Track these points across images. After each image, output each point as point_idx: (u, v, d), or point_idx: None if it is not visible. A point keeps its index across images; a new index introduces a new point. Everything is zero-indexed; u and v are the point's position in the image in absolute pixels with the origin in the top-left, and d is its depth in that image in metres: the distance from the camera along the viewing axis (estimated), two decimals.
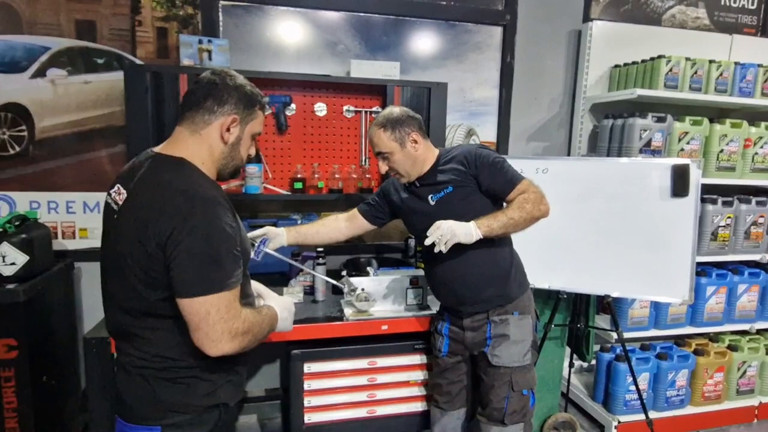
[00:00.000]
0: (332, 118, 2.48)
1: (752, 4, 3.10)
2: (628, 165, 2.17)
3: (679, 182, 1.99)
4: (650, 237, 2.09)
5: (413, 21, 2.66)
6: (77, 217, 2.35)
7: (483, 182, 1.63)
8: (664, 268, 2.07)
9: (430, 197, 1.69)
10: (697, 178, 2.00)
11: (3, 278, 1.90)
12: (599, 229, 2.15)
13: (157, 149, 1.14)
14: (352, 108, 2.48)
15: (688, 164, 2.00)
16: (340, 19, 2.56)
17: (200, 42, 2.18)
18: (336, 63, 2.58)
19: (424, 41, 2.70)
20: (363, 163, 2.52)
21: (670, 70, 2.46)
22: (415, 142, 1.67)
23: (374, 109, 2.50)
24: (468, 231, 1.54)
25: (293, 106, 2.41)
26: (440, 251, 1.52)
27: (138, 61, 2.30)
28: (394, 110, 1.70)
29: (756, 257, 2.71)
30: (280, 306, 1.28)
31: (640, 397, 2.23)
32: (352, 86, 2.44)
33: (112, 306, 1.12)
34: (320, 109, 2.46)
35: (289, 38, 2.53)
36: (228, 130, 1.14)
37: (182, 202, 1.01)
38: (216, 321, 1.00)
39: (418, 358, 2.02)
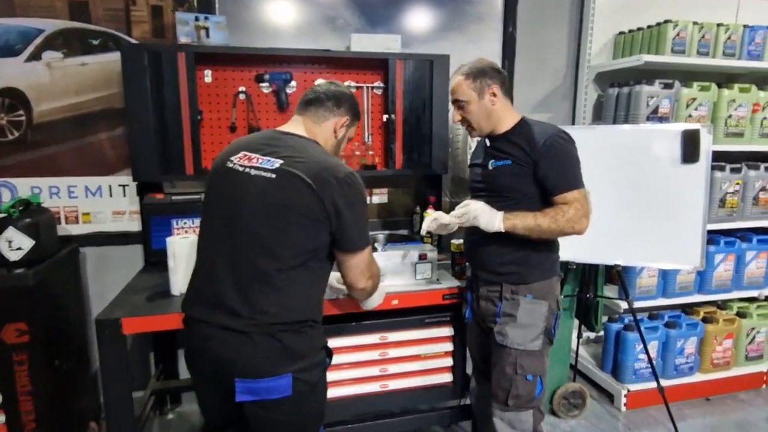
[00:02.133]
0: None
1: None
2: (636, 132, 2.14)
3: (690, 148, 1.97)
4: (660, 204, 2.06)
5: None
6: (79, 201, 2.33)
7: (539, 170, 1.59)
8: (675, 236, 2.06)
9: (491, 161, 1.69)
10: (707, 144, 1.97)
11: (10, 263, 1.90)
12: (608, 198, 2.12)
13: (287, 129, 1.41)
14: (353, 84, 2.44)
15: (698, 129, 1.97)
16: None
17: (197, 19, 2.14)
18: (336, 38, 2.54)
19: (424, 14, 2.64)
20: (366, 139, 2.49)
21: (677, 34, 2.40)
22: (494, 95, 1.66)
23: (376, 84, 2.46)
24: (491, 222, 1.60)
25: (294, 83, 2.36)
26: None
27: (134, 42, 2.26)
28: (481, 60, 1.70)
29: (765, 223, 2.69)
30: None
31: (651, 365, 2.23)
32: (352, 61, 2.39)
33: (239, 261, 1.26)
34: (319, 81, 2.41)
35: (288, 14, 2.48)
36: (340, 128, 1.46)
37: (346, 175, 1.27)
38: (371, 264, 1.41)
39: (428, 332, 2.02)
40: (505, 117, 1.70)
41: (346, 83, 2.43)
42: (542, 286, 1.68)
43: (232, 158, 1.34)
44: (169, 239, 1.86)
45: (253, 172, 1.29)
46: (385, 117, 2.44)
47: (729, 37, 2.48)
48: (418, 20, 2.64)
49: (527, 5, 2.72)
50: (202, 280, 1.35)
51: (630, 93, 2.43)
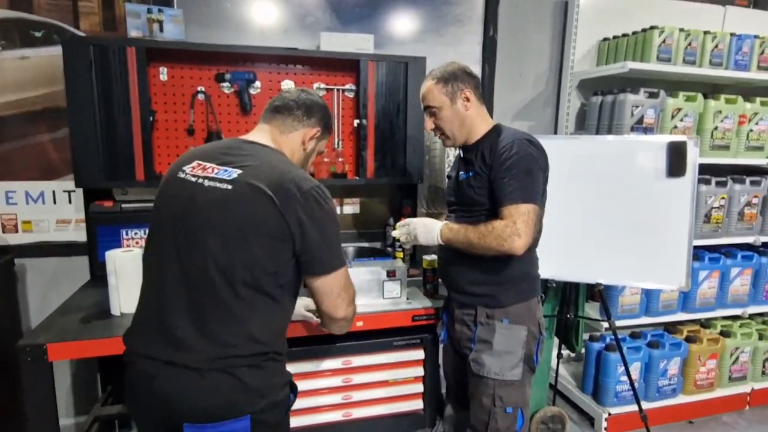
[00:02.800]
0: None
1: None
2: (619, 143, 2.01)
3: (676, 161, 1.85)
4: (643, 220, 1.94)
5: None
6: (19, 208, 2.12)
7: (489, 177, 1.47)
8: (659, 254, 1.94)
9: (460, 173, 1.58)
10: (694, 157, 1.86)
11: None
12: (589, 213, 1.99)
13: (250, 138, 1.27)
14: (323, 85, 2.28)
15: (685, 142, 1.85)
16: None
17: (149, 11, 1.96)
18: (305, 36, 2.38)
19: (400, 14, 2.50)
20: (336, 146, 2.33)
21: (663, 41, 2.30)
22: (467, 100, 1.53)
23: (347, 86, 2.30)
24: (430, 236, 1.54)
25: (258, 83, 2.20)
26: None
27: (80, 34, 2.07)
28: (452, 64, 1.57)
29: (750, 239, 2.60)
30: None
31: (633, 389, 2.11)
32: (322, 61, 2.23)
33: (192, 285, 1.11)
34: (288, 87, 2.25)
35: (252, 9, 2.31)
36: (309, 140, 1.33)
37: (312, 188, 1.14)
38: (347, 287, 1.24)
39: (397, 356, 1.87)
40: (478, 123, 1.57)
41: (315, 85, 2.27)
42: (520, 308, 1.54)
43: (184, 167, 1.21)
44: (108, 254, 1.68)
45: (206, 182, 1.15)
46: (356, 122, 2.28)
47: (716, 46, 2.38)
48: (394, 20, 2.50)
49: (509, 8, 2.60)
50: (148, 306, 1.19)
51: (614, 102, 2.32)
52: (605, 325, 2.41)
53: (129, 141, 1.97)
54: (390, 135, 2.29)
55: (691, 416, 2.60)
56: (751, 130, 2.48)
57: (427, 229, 1.56)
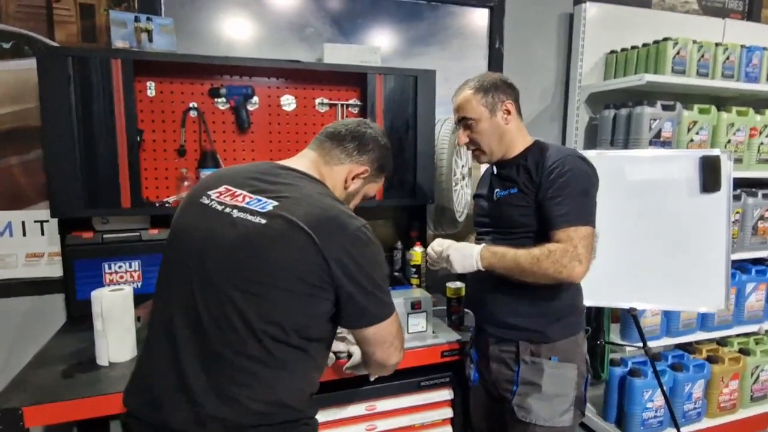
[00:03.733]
0: (303, 113, 2.10)
1: None
2: (650, 158, 1.90)
3: (710, 176, 1.76)
4: (678, 239, 1.84)
5: (391, 1, 2.32)
6: None
7: (539, 195, 1.32)
8: (695, 274, 1.83)
9: (496, 191, 1.43)
10: (729, 171, 1.77)
11: None
12: (620, 232, 1.87)
13: (288, 164, 1.11)
14: (325, 101, 2.12)
15: (718, 156, 1.76)
16: None
17: (137, 20, 1.76)
18: (305, 49, 2.21)
19: (403, 25, 2.37)
20: None
21: (678, 53, 2.24)
22: (508, 112, 1.39)
23: (351, 101, 2.15)
24: (468, 261, 1.35)
25: (256, 99, 2.02)
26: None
27: (55, 45, 1.85)
28: (491, 74, 1.44)
29: (764, 254, 2.54)
30: None
31: (673, 416, 1.96)
32: (325, 75, 2.07)
33: (211, 340, 0.93)
34: (288, 102, 2.07)
35: (248, 20, 2.13)
36: (353, 178, 1.17)
37: (358, 228, 0.99)
38: (399, 332, 1.10)
39: (424, 397, 1.68)
40: (517, 139, 1.43)
41: (318, 100, 2.11)
42: (568, 344, 1.38)
43: (209, 192, 1.03)
44: (95, 293, 1.45)
45: (236, 213, 0.98)
46: None
47: (728, 58, 2.34)
48: (397, 32, 2.36)
49: (513, 20, 2.51)
50: (154, 361, 0.98)
51: (630, 115, 2.23)
52: (629, 349, 2.30)
53: (113, 164, 1.75)
54: (399, 153, 2.13)
55: None
56: (762, 143, 2.44)
57: (462, 254, 1.37)
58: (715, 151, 1.78)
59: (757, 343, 2.65)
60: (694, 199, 1.80)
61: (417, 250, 2.14)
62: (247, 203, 0.98)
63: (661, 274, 1.85)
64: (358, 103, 2.15)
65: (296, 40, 2.20)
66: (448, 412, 1.71)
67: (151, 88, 1.87)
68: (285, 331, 0.93)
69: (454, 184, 2.45)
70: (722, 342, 2.66)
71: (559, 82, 2.63)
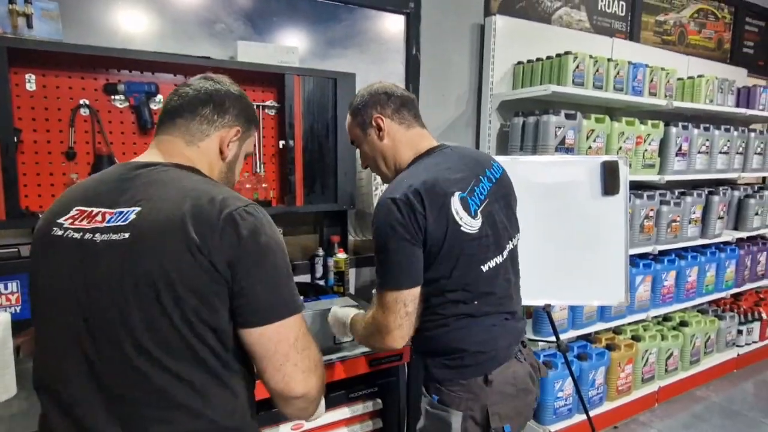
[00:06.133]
0: None
1: (622, 11, 3.30)
2: (556, 163, 2.03)
3: (611, 180, 1.91)
4: (583, 239, 1.97)
5: (306, 1, 2.25)
6: None
7: None
8: (599, 272, 1.97)
9: None
10: (625, 175, 1.94)
11: None
12: (529, 234, 1.96)
13: (146, 159, 0.93)
14: None
15: (617, 161, 1.92)
16: None
17: (12, 1, 1.51)
18: (215, 45, 2.06)
19: (320, 27, 2.31)
20: (257, 169, 2.04)
21: (577, 66, 2.42)
22: (379, 128, 1.25)
23: (267, 103, 2.04)
24: (342, 330, 1.41)
25: (159, 97, 1.83)
26: None
27: None
28: (366, 87, 1.31)
29: (649, 249, 2.84)
30: None
31: (583, 402, 2.09)
32: (238, 74, 1.89)
33: (115, 383, 0.80)
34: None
35: (149, 11, 1.94)
36: (228, 144, 0.99)
37: (241, 209, 0.84)
38: (305, 345, 0.88)
39: (354, 409, 1.63)
40: (404, 152, 1.26)
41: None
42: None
43: (59, 220, 0.86)
44: None
45: (98, 238, 0.82)
46: (281, 143, 2.02)
47: (618, 73, 2.58)
48: (312, 33, 2.29)
49: (429, 28, 2.55)
50: (53, 416, 0.83)
51: (537, 123, 2.37)
52: (541, 344, 2.44)
53: None
54: (319, 157, 2.07)
55: (615, 421, 2.73)
56: (646, 150, 2.72)
57: (337, 320, 1.43)
58: (615, 157, 1.94)
59: (645, 330, 2.95)
60: (597, 201, 1.95)
61: (340, 257, 2.09)
62: (108, 221, 0.82)
63: (570, 271, 1.98)
64: (276, 104, 2.04)
65: (205, 36, 2.05)
66: (378, 423, 1.68)
67: (31, 81, 1.62)
68: (194, 350, 0.81)
69: (374, 188, 2.43)
70: (617, 330, 2.92)
71: (472, 89, 2.72)
